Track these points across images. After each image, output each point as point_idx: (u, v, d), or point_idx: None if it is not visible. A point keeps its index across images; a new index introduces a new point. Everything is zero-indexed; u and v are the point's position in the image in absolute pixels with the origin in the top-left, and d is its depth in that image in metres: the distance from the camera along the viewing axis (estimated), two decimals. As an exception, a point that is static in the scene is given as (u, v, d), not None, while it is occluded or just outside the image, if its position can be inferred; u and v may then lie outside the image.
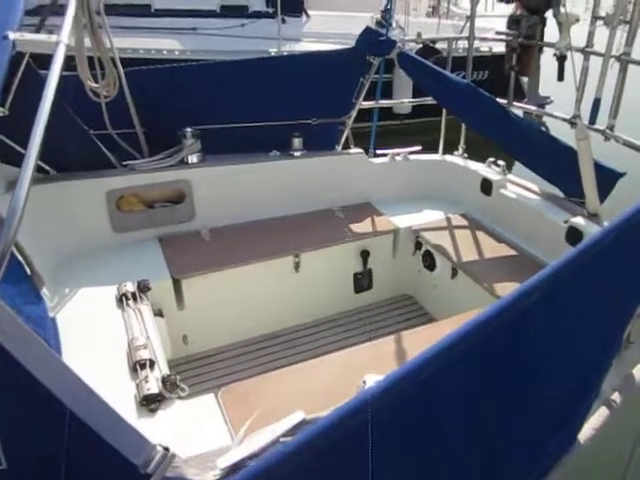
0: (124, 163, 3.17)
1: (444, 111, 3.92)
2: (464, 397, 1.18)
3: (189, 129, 3.23)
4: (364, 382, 1.63)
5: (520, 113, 3.85)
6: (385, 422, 1.03)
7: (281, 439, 1.41)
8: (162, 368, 2.13)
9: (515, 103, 3.71)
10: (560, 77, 3.42)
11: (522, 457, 1.48)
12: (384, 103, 4.38)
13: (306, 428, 0.99)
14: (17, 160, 2.62)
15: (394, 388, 1.02)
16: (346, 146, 3.77)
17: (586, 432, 1.76)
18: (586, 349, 1.59)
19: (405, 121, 8.04)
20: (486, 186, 3.53)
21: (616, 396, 1.93)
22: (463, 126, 3.89)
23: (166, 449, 1.14)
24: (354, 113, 3.63)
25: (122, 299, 2.56)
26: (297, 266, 3.19)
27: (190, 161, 3.28)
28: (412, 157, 3.86)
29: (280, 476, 0.94)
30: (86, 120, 2.88)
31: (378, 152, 3.86)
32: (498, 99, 3.35)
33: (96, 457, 1.11)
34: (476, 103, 3.27)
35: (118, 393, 2.01)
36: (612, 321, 1.67)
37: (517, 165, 3.67)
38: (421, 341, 2.37)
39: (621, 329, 1.77)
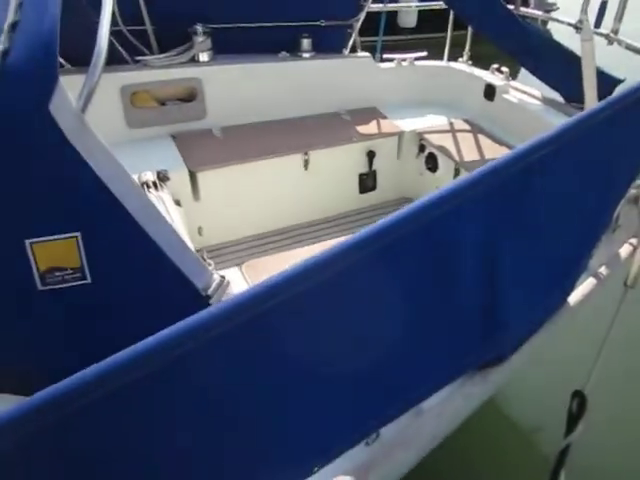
0: (136, 59, 3.22)
1: (450, 17, 3.94)
2: (476, 238, 1.33)
3: (200, 26, 3.26)
4: None
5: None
6: (404, 249, 1.17)
7: None
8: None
9: (522, 8, 3.73)
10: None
11: (519, 309, 1.67)
12: (392, 7, 4.36)
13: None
14: None
15: (415, 215, 1.14)
16: (353, 51, 3.81)
17: (575, 296, 1.98)
18: (581, 218, 1.75)
19: (410, 36, 7.90)
20: (489, 91, 3.62)
21: (603, 269, 2.15)
22: (468, 33, 3.93)
23: (222, 277, 1.32)
24: (362, 15, 3.64)
25: (143, 187, 2.69)
26: (306, 164, 3.32)
27: (201, 59, 3.33)
28: (418, 63, 3.91)
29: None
30: (98, 15, 2.89)
31: (385, 57, 3.90)
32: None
33: (164, 278, 1.29)
34: (483, 5, 3.30)
35: None
36: (605, 195, 1.83)
37: (521, 74, 3.75)
38: None
39: (612, 206, 1.94)
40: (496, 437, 2.81)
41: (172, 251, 1.26)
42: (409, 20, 7.31)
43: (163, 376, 0.86)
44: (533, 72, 3.40)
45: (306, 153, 3.29)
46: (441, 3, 3.75)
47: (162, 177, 2.77)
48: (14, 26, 1.13)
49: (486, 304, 1.48)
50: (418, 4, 4.84)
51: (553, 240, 1.64)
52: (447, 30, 3.98)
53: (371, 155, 3.51)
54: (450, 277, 1.32)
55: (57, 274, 1.21)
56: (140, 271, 1.28)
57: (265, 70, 3.47)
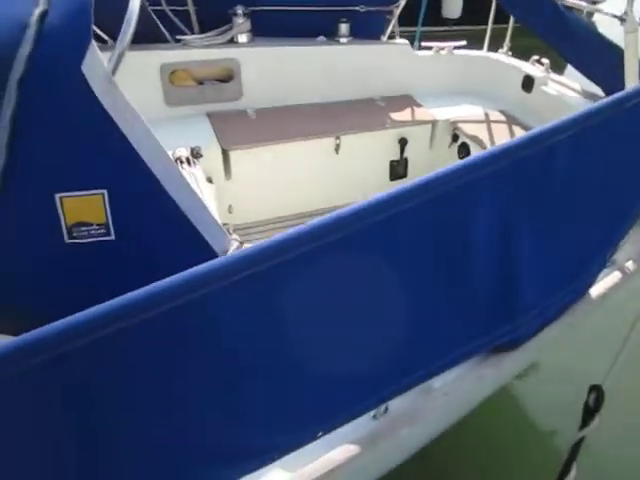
0: (177, 38, 3.29)
1: (492, 7, 3.88)
2: (491, 217, 1.33)
3: (240, 8, 3.31)
4: None
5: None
6: (416, 219, 1.19)
7: None
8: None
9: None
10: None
11: (535, 293, 1.65)
12: (434, -6, 4.32)
13: None
14: None
15: (427, 186, 1.16)
16: (392, 39, 3.81)
17: (597, 289, 1.95)
18: (606, 207, 1.72)
19: (453, 27, 7.75)
20: (528, 83, 3.57)
21: (630, 264, 2.11)
22: (510, 25, 3.87)
23: (241, 242, 1.36)
24: (402, 2, 3.63)
25: (177, 162, 2.76)
26: (337, 148, 3.34)
27: (240, 40, 3.38)
28: (456, 52, 3.88)
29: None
30: None
31: (423, 44, 3.88)
32: None
33: (184, 239, 1.34)
34: None
35: None
36: (635, 186, 1.80)
37: (567, 70, 3.66)
38: None
39: None
40: (508, 426, 2.80)
41: (192, 213, 1.32)
42: (454, 10, 7.15)
43: (174, 319, 0.91)
44: (574, 64, 3.33)
45: (338, 137, 3.30)
46: (485, -8, 3.71)
47: (195, 154, 2.83)
48: None
49: (501, 284, 1.48)
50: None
51: (575, 227, 1.62)
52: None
53: (403, 142, 3.50)
54: (464, 254, 1.32)
55: (83, 229, 1.27)
56: (161, 231, 1.33)
57: (302, 54, 3.50)
